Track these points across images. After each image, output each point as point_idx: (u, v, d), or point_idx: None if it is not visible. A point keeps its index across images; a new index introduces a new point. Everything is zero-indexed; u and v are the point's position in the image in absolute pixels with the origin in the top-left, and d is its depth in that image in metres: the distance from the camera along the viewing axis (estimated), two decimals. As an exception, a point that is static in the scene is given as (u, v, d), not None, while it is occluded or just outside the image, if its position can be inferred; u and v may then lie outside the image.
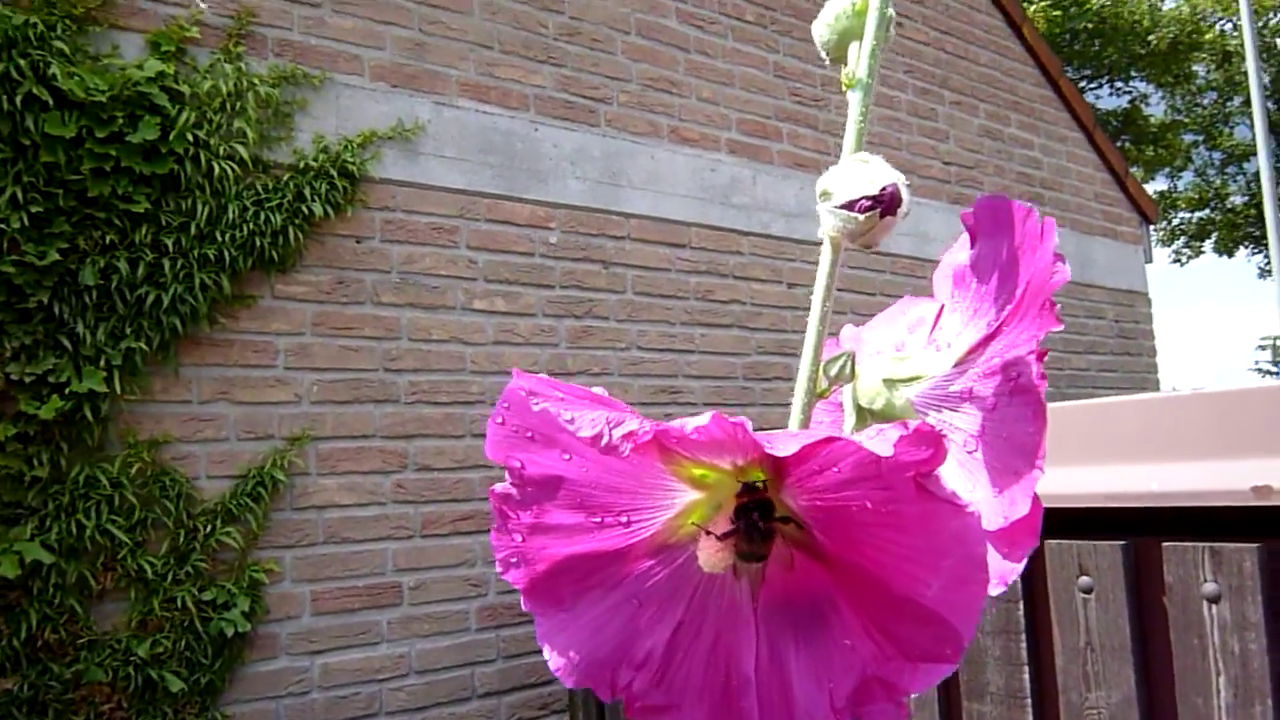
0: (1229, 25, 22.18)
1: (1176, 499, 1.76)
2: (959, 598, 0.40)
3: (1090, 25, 20.96)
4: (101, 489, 3.16)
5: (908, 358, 0.52)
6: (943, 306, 0.54)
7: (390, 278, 3.90)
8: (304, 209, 3.64)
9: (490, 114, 4.25)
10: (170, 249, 3.34)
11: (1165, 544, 1.71)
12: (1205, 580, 1.67)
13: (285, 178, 3.64)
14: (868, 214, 0.46)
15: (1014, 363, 0.46)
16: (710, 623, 0.48)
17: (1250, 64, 14.02)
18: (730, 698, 0.46)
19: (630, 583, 0.47)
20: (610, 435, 0.41)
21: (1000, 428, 0.46)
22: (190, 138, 3.38)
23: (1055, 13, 20.27)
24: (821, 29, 0.55)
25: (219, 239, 3.43)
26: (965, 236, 0.54)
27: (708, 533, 0.44)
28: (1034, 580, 1.88)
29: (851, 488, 0.40)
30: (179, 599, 3.27)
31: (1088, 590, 1.83)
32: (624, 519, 0.46)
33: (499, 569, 0.48)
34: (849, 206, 0.46)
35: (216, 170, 3.43)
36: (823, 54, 0.56)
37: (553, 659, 0.47)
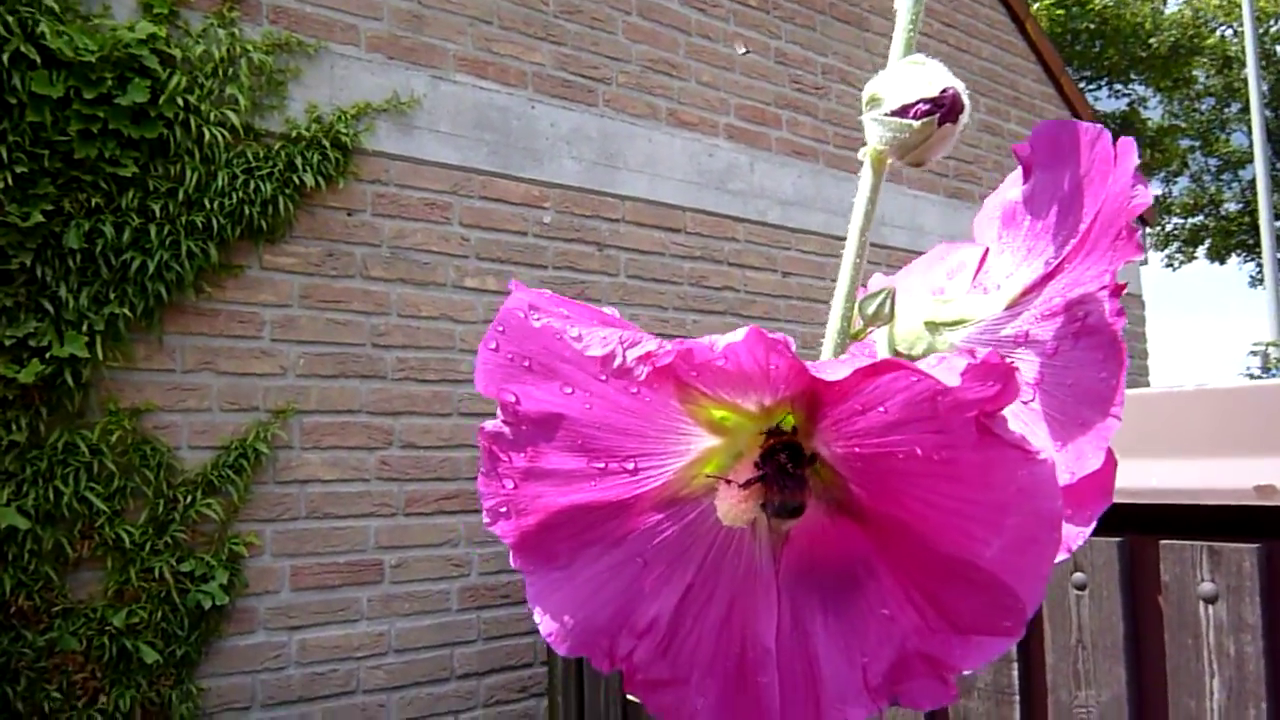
0: (1230, 31, 22.19)
1: (1176, 496, 1.72)
2: (1024, 561, 0.34)
3: (1092, 26, 20.95)
4: (80, 456, 3.09)
5: (951, 300, 0.47)
6: (987, 250, 0.49)
7: (381, 252, 3.83)
8: (295, 179, 3.57)
9: (487, 90, 4.18)
10: (157, 215, 3.27)
11: (1162, 542, 1.67)
12: (1202, 580, 1.64)
13: (277, 146, 3.57)
14: (924, 120, 0.40)
15: (1080, 301, 0.40)
16: (724, 587, 0.42)
17: (1250, 70, 14.01)
18: (745, 672, 0.40)
19: (635, 539, 0.42)
20: (624, 356, 0.35)
21: (1063, 374, 0.41)
22: (180, 102, 3.31)
23: (1059, 11, 20.24)
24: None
25: (207, 206, 3.36)
26: (1016, 172, 0.49)
27: (728, 481, 0.38)
28: (1029, 574, 1.84)
29: (899, 431, 0.35)
30: (156, 569, 3.21)
31: (1081, 586, 1.79)
32: (631, 465, 0.41)
33: (486, 519, 0.42)
34: (902, 113, 0.40)
35: (207, 136, 3.36)
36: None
37: (544, 622, 0.42)
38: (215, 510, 3.33)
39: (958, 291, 0.49)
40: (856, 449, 0.36)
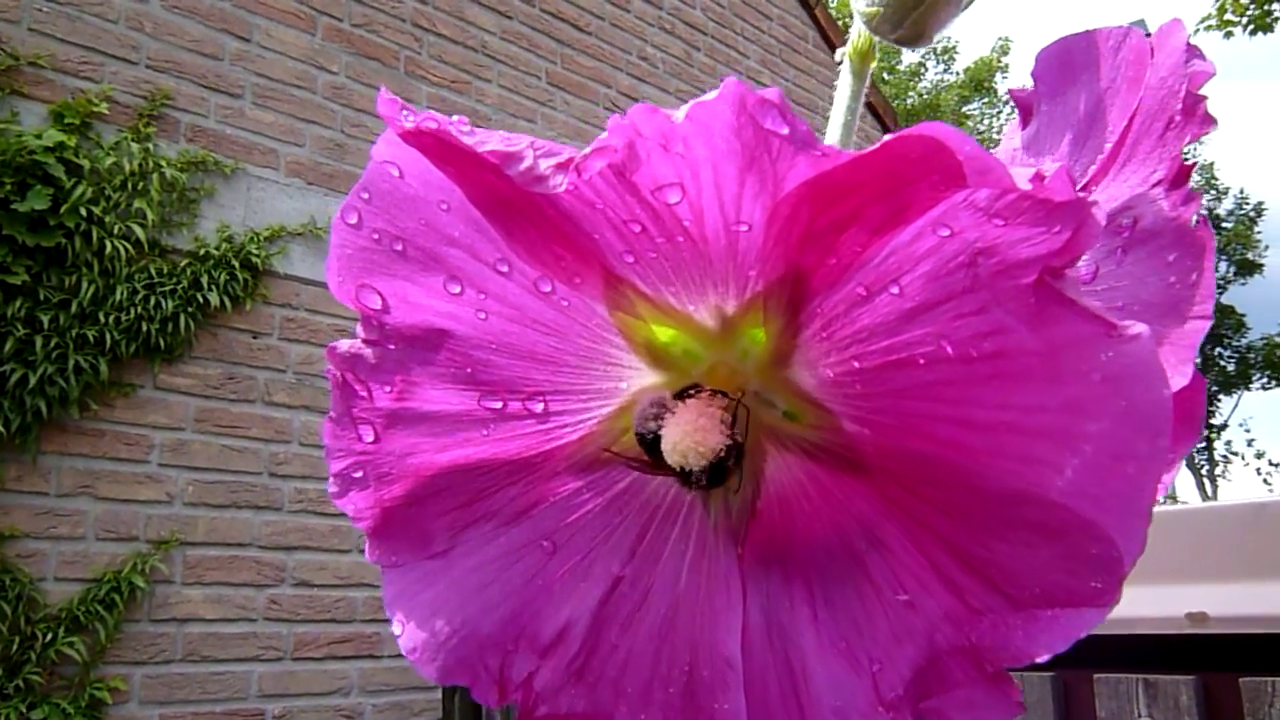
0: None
1: (1108, 625, 1.65)
2: (1116, 485, 0.22)
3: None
4: (-73, 584, 2.79)
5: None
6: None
7: (286, 377, 3.67)
8: (200, 297, 3.42)
9: (408, 220, 4.13)
10: (45, 326, 3.08)
11: (1097, 676, 1.62)
12: (1140, 715, 1.59)
13: (183, 264, 3.44)
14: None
15: (1123, 210, 0.32)
16: (666, 581, 0.30)
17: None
18: (698, 698, 0.28)
19: (541, 515, 0.30)
20: (536, 164, 0.25)
21: (1112, 297, 0.31)
22: (84, 212, 3.17)
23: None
24: None
25: (102, 320, 3.18)
26: (1012, 124, 0.41)
27: (687, 394, 0.27)
28: None
29: (921, 321, 0.24)
30: (4, 716, 2.87)
31: (1015, 729, 1.69)
32: (538, 407, 0.29)
33: (332, 487, 0.30)
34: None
35: (108, 249, 3.22)
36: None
37: (406, 634, 0.30)
38: (78, 650, 3.02)
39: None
40: (856, 363, 0.26)
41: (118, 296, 3.24)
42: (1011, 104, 0.42)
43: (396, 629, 0.29)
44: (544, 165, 0.24)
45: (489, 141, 0.25)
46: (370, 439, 0.29)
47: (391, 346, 0.28)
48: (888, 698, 0.25)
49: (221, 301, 3.48)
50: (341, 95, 4.03)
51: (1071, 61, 0.37)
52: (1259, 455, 25.14)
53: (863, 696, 0.26)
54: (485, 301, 0.28)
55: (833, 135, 0.35)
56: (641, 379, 0.30)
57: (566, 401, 0.29)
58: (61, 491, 3.13)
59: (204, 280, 3.45)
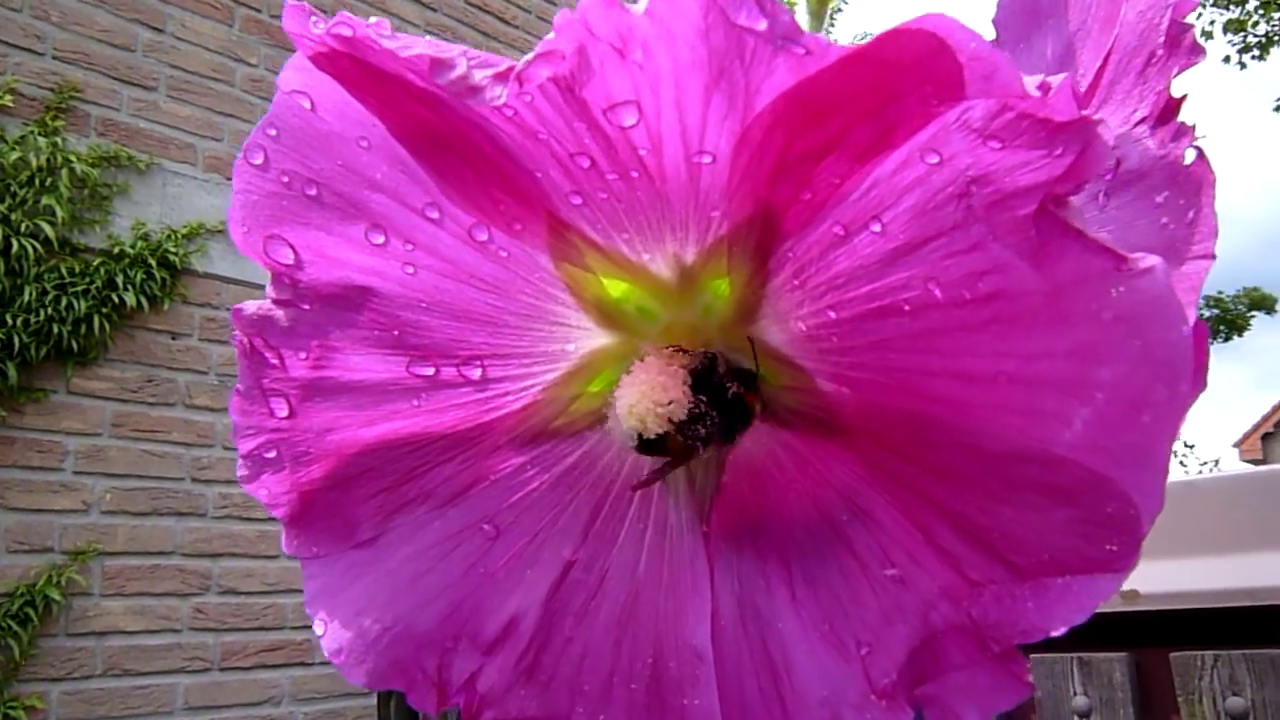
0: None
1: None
2: (1131, 436, 0.20)
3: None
4: None
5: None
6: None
7: (208, 379, 3.56)
8: (114, 298, 3.30)
9: (333, 215, 4.04)
10: (-52, 329, 2.94)
11: (1032, 655, 1.64)
12: (1075, 693, 1.62)
13: (96, 263, 3.31)
14: None
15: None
16: (624, 566, 0.26)
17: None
18: (664, 694, 0.25)
19: (481, 495, 0.26)
20: (469, 73, 0.21)
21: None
22: (-13, 210, 3.04)
23: None
24: None
25: (9, 322, 3.05)
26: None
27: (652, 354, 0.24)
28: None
29: (907, 261, 0.21)
30: (-90, 741, 2.74)
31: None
32: (475, 373, 0.26)
33: (241, 470, 0.26)
34: None
35: (15, 248, 3.08)
36: None
37: (330, 634, 0.26)
38: (-9, 667, 2.89)
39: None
40: (832, 313, 0.23)
41: (26, 297, 3.11)
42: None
43: (319, 629, 0.26)
44: (479, 75, 0.21)
45: (414, 46, 0.21)
46: (284, 414, 0.25)
47: (306, 307, 0.25)
48: (880, 685, 0.23)
49: (138, 302, 3.36)
50: (261, 88, 3.92)
51: (1037, 6, 0.35)
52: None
53: (853, 685, 0.23)
54: (413, 253, 0.24)
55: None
56: (591, 340, 0.26)
57: (507, 366, 0.26)
58: (-31, 502, 2.99)
59: (119, 280, 3.33)
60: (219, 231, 3.66)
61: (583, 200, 0.23)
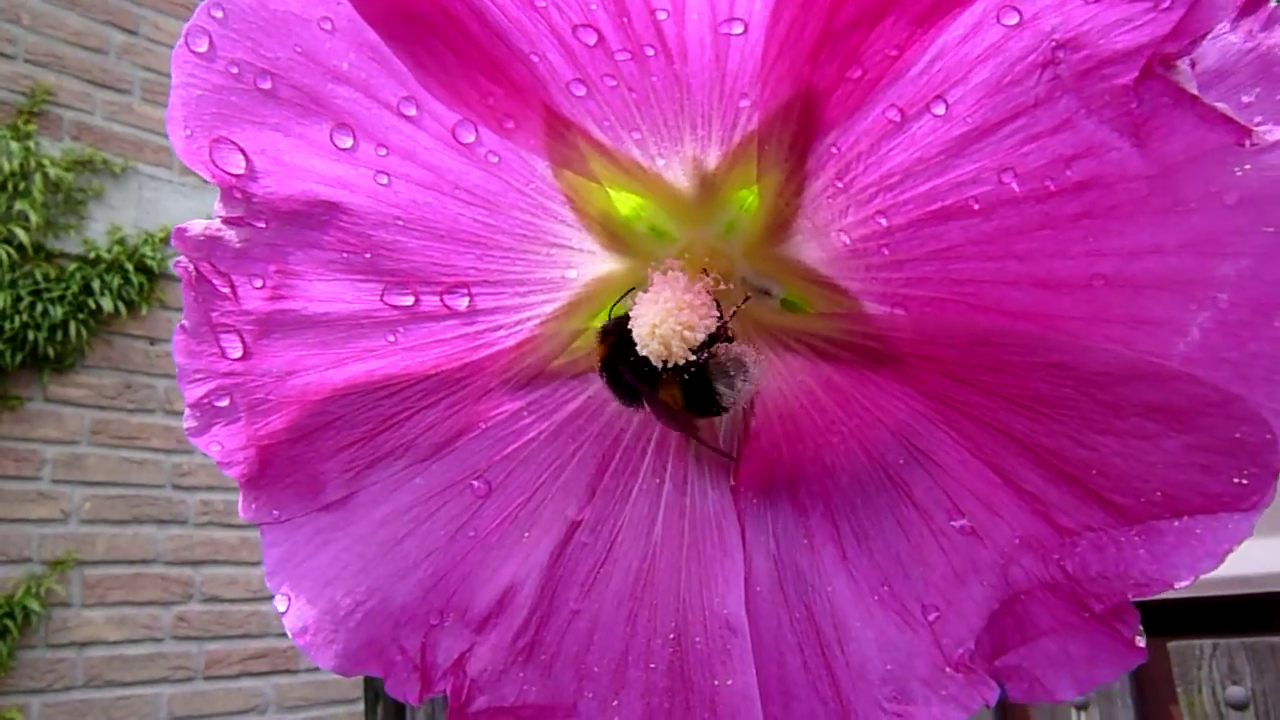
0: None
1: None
2: (1265, 340, 0.17)
3: None
4: None
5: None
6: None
7: (188, 384, 3.50)
8: (91, 303, 3.25)
9: (313, 218, 3.99)
10: (-81, 336, 2.88)
11: None
12: None
13: (72, 268, 3.26)
14: None
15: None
16: (637, 524, 0.23)
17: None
18: (690, 675, 0.21)
19: (469, 447, 0.23)
20: None
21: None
22: (-41, 215, 2.98)
23: None
24: None
25: (-17, 329, 3.00)
26: None
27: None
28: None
29: (976, 152, 0.18)
30: (-115, 758, 2.67)
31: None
32: (462, 303, 0.22)
33: (188, 421, 0.23)
34: None
35: (-12, 253, 3.03)
36: None
37: (294, 610, 0.22)
38: (-32, 681, 2.83)
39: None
40: (883, 220, 0.19)
41: (0, 304, 3.05)
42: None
43: (281, 604, 0.22)
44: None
45: None
46: (237, 354, 0.21)
47: (261, 225, 0.21)
48: (955, 655, 0.19)
49: (115, 307, 3.31)
50: (238, 89, 3.87)
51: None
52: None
53: (921, 656, 0.19)
54: (386, 159, 0.20)
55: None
56: (595, 266, 0.23)
57: (499, 296, 0.22)
58: (-56, 513, 2.93)
59: (95, 285, 3.28)
60: (197, 235, 3.61)
61: (587, 90, 0.20)
